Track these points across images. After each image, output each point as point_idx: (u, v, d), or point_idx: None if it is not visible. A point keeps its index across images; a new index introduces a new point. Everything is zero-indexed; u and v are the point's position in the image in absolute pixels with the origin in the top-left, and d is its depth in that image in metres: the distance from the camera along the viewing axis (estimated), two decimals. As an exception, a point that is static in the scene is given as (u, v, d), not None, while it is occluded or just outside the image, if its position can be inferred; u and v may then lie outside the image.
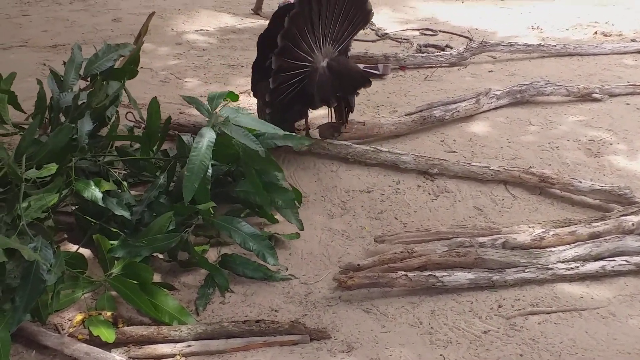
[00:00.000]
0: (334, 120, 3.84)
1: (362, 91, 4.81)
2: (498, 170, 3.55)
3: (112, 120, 3.54)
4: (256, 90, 3.88)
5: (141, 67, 4.99)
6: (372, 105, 4.67)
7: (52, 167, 2.80)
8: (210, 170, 2.82)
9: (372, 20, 6.56)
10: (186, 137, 3.16)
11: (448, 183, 3.57)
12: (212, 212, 2.92)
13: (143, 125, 4.04)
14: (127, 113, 4.06)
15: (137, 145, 3.53)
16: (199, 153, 2.71)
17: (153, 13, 4.22)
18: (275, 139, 3.04)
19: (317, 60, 3.57)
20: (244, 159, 2.96)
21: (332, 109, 3.78)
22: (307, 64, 3.53)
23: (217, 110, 2.93)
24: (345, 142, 3.77)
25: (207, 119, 2.90)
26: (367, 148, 3.72)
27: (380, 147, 3.80)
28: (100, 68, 3.36)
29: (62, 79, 3.29)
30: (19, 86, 4.78)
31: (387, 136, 4.06)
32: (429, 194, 3.50)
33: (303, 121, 4.00)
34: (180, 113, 4.42)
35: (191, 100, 3.00)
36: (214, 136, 2.78)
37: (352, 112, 3.83)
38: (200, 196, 2.80)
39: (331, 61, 3.61)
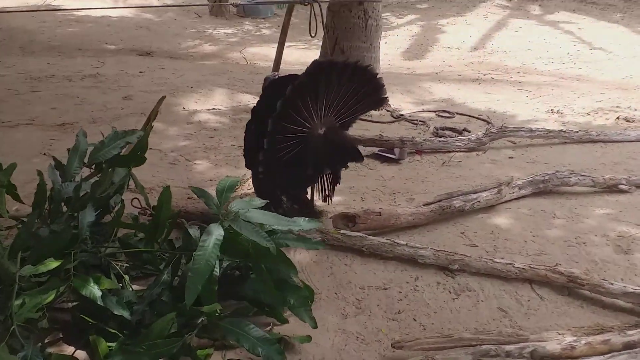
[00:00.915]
0: (315, 195, 3.99)
1: (377, 177, 4.81)
2: (523, 268, 3.40)
3: (116, 209, 3.47)
4: (249, 160, 3.87)
5: (150, 148, 4.94)
6: (388, 192, 4.57)
7: (51, 263, 2.68)
8: (217, 269, 2.70)
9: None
10: (192, 230, 3.06)
11: (470, 280, 3.42)
12: (218, 313, 2.78)
13: (149, 212, 3.96)
14: (133, 199, 3.97)
15: (141, 235, 3.42)
16: (205, 252, 2.59)
17: (163, 97, 4.18)
18: (288, 240, 2.92)
19: (315, 127, 3.61)
20: (254, 255, 2.84)
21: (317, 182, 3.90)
22: (304, 129, 3.57)
23: (226, 204, 2.83)
24: (360, 234, 3.66)
25: (216, 215, 2.79)
26: (384, 240, 3.60)
27: (398, 239, 3.67)
28: (106, 156, 3.28)
29: (64, 167, 3.21)
30: (23, 167, 4.73)
31: (405, 227, 3.94)
32: (450, 292, 3.35)
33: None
34: (189, 198, 4.34)
35: (200, 193, 2.90)
36: (222, 233, 2.67)
37: (338, 184, 3.98)
38: (205, 296, 2.66)
39: (328, 130, 3.65)
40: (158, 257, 3.22)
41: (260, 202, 3.04)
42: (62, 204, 3.13)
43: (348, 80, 3.60)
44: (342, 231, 3.68)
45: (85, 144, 3.33)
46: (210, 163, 5.06)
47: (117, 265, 3.14)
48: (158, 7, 13.80)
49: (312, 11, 6.51)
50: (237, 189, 4.20)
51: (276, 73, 4.30)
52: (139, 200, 3.99)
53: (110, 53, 9.93)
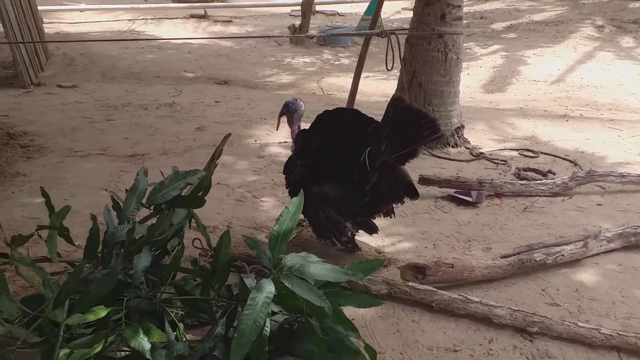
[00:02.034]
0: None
1: (452, 221, 4.59)
2: (610, 335, 3.12)
3: (174, 251, 3.39)
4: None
5: (218, 183, 4.94)
6: (463, 240, 4.34)
7: (99, 312, 2.59)
8: (267, 328, 2.55)
9: (463, 136, 6.39)
10: (249, 281, 2.92)
11: (550, 346, 3.15)
12: (269, 374, 2.63)
13: (210, 254, 3.87)
14: (194, 240, 3.91)
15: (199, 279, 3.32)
16: (253, 311, 2.46)
17: (228, 135, 4.10)
18: (341, 298, 2.75)
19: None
20: (308, 313, 2.69)
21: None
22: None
23: (282, 256, 2.69)
24: (430, 288, 3.45)
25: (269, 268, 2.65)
26: (456, 296, 3.38)
27: (471, 295, 3.45)
28: (165, 197, 3.21)
29: (122, 208, 3.14)
30: (90, 200, 4.80)
31: (479, 280, 3.69)
32: (528, 358, 3.08)
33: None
34: (252, 239, 4.23)
35: (252, 245, 2.77)
36: (273, 290, 2.54)
37: (391, 217, 4.08)
38: (255, 357, 2.52)
39: (383, 164, 3.71)
40: (214, 305, 3.10)
41: (316, 258, 2.90)
42: (118, 246, 3.06)
43: (404, 117, 3.64)
44: (410, 283, 3.48)
45: (145, 184, 3.27)
46: (277, 201, 4.95)
47: (172, 312, 3.05)
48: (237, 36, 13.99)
49: (390, 43, 6.38)
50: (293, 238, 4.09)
51: (297, 98, 4.31)
52: (200, 240, 3.92)
53: (188, 81, 10.06)
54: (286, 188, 4.11)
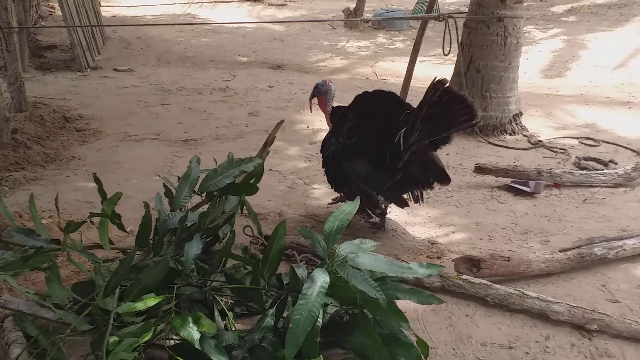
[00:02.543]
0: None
1: (508, 212, 4.49)
2: (674, 335, 2.98)
3: (225, 238, 3.38)
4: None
5: (270, 170, 4.92)
6: (520, 232, 4.22)
7: (149, 300, 2.59)
8: (320, 319, 2.51)
9: (521, 123, 6.22)
10: (300, 270, 2.90)
11: (610, 345, 3.03)
12: (321, 366, 2.59)
13: (261, 242, 3.86)
14: (245, 227, 3.89)
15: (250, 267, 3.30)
16: (308, 301, 2.41)
17: (282, 122, 4.08)
18: (399, 291, 2.68)
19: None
20: (362, 304, 2.64)
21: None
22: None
23: (335, 247, 2.64)
24: (484, 281, 3.35)
25: (323, 258, 2.61)
26: (511, 291, 3.28)
27: (528, 290, 3.34)
28: (218, 185, 3.19)
29: (174, 195, 3.14)
30: (143, 185, 4.84)
31: (536, 275, 3.58)
32: (586, 357, 2.97)
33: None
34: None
35: (306, 234, 2.73)
36: (328, 280, 2.49)
37: (420, 203, 4.11)
38: (307, 349, 2.48)
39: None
40: (264, 294, 3.08)
41: (371, 244, 2.85)
42: (169, 234, 3.06)
43: (437, 102, 3.59)
44: (464, 277, 3.39)
45: (198, 171, 3.25)
46: (328, 188, 4.86)
47: (222, 300, 3.04)
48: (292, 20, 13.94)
49: (447, 27, 6.25)
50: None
51: (326, 80, 4.40)
52: (251, 228, 3.90)
53: (242, 65, 10.07)
54: (322, 167, 4.26)
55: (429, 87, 3.62)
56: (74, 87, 8.22)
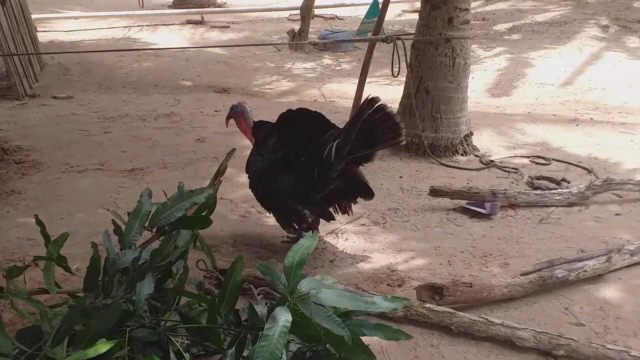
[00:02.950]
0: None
1: (466, 235, 4.48)
2: (641, 357, 2.98)
3: (178, 274, 3.25)
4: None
5: (221, 198, 4.79)
6: (479, 255, 4.20)
7: (101, 346, 2.45)
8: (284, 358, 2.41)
9: (472, 144, 6.25)
10: (259, 307, 2.79)
11: (578, 370, 3.00)
12: (285, 409, 2.48)
13: (215, 275, 3.74)
14: (199, 261, 3.77)
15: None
16: (270, 342, 2.32)
17: (233, 150, 4.00)
18: (364, 327, 2.60)
19: None
20: (326, 342, 2.55)
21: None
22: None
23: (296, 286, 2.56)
24: (448, 309, 3.31)
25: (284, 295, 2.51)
26: (476, 318, 3.24)
27: (491, 315, 3.32)
28: (169, 219, 3.08)
29: (123, 232, 3.00)
30: (87, 219, 4.67)
31: (499, 299, 3.55)
32: (554, 384, 2.95)
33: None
34: (259, 258, 4.10)
35: (265, 271, 2.64)
36: (290, 319, 2.40)
37: (348, 214, 4.27)
38: (270, 391, 2.37)
39: None
40: (222, 333, 2.96)
41: (332, 280, 2.78)
42: (119, 273, 2.92)
43: (368, 119, 3.65)
44: (427, 305, 3.34)
45: (149, 206, 3.13)
46: (283, 216, 4.80)
47: (177, 341, 2.91)
48: (235, 44, 13.86)
49: (395, 49, 6.26)
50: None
51: (242, 102, 4.65)
52: (204, 262, 3.78)
53: (187, 90, 9.92)
54: (249, 187, 4.35)
55: (362, 102, 3.68)
56: (11, 116, 7.93)
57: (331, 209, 4.17)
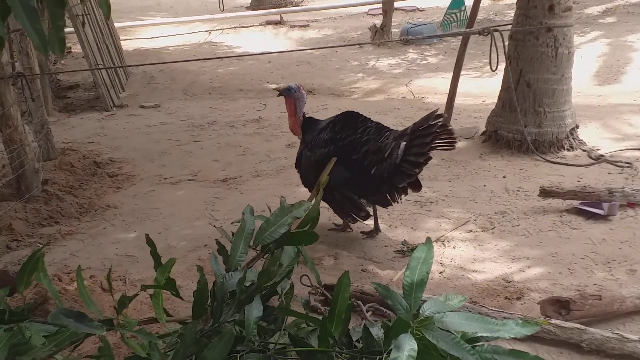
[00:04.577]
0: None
1: (584, 239, 4.25)
2: None
3: (283, 293, 3.15)
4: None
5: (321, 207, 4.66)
6: (601, 261, 3.93)
7: (213, 377, 2.35)
8: (410, 391, 2.25)
9: (579, 138, 5.92)
10: (374, 330, 2.64)
11: None
12: None
13: (320, 291, 3.62)
14: (302, 276, 3.65)
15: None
16: (397, 373, 2.16)
17: (335, 159, 3.87)
18: (498, 354, 2.41)
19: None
20: (453, 369, 2.38)
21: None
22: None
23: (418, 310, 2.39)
24: (577, 325, 3.07)
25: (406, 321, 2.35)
26: (609, 334, 3.00)
27: (624, 330, 3.07)
28: (273, 236, 2.97)
29: (227, 254, 2.91)
30: (185, 232, 4.64)
31: (631, 312, 3.29)
32: None
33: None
34: (362, 271, 3.96)
35: (385, 294, 2.49)
36: (416, 347, 2.24)
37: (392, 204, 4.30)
38: None
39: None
40: (335, 356, 2.83)
41: (458, 298, 2.58)
42: (227, 296, 2.83)
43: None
44: (553, 321, 3.11)
45: (252, 224, 3.02)
46: (383, 223, 4.64)
47: (287, 364, 2.81)
48: (319, 45, 13.78)
49: (493, 41, 6.00)
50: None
51: (300, 86, 4.65)
52: (308, 277, 3.66)
53: (272, 93, 9.87)
54: (302, 183, 4.63)
55: (430, 115, 3.92)
56: (101, 128, 8.09)
57: (387, 196, 4.21)
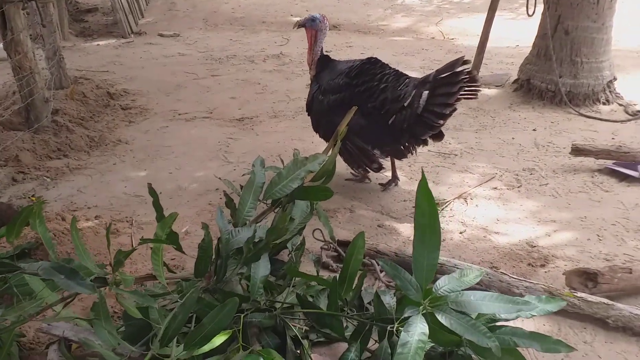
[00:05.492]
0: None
1: (616, 203, 4.08)
2: None
3: (293, 249, 3.01)
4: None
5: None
6: (634, 228, 3.74)
7: (216, 339, 2.23)
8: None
9: (616, 91, 5.65)
10: (386, 298, 2.49)
11: None
12: None
13: (333, 247, 3.48)
14: (315, 230, 3.50)
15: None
16: (406, 357, 2.02)
17: (354, 109, 3.67)
18: (517, 336, 2.25)
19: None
20: (469, 349, 2.24)
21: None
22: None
23: (430, 287, 2.24)
24: (603, 300, 2.91)
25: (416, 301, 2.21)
26: (638, 312, 2.83)
27: (655, 308, 2.89)
28: (284, 191, 2.80)
29: (235, 207, 2.75)
30: (197, 174, 4.51)
31: (663, 287, 3.13)
32: None
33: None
34: (379, 226, 3.80)
35: (393, 273, 2.30)
36: (427, 331, 2.10)
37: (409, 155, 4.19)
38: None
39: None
40: (344, 320, 2.71)
41: (474, 273, 2.41)
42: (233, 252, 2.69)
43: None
44: (579, 294, 2.95)
45: (262, 177, 2.87)
46: (404, 176, 4.47)
47: (294, 326, 2.69)
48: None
49: (530, -16, 5.69)
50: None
51: (324, 16, 4.34)
52: (321, 231, 3.51)
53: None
54: (313, 128, 4.45)
55: (456, 61, 3.76)
56: (117, 56, 7.90)
57: (402, 148, 4.08)
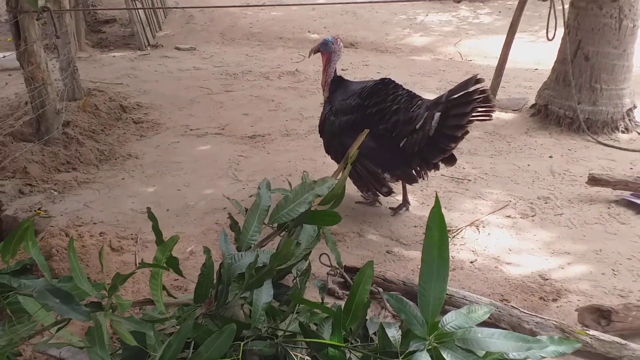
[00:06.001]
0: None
1: (632, 236, 3.99)
2: None
3: (299, 275, 2.95)
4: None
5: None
6: (649, 264, 3.65)
7: (212, 366, 2.17)
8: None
9: (635, 119, 5.58)
10: (391, 331, 2.42)
11: None
12: None
13: (339, 273, 3.42)
14: (322, 255, 3.44)
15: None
16: (411, 396, 1.96)
17: (366, 132, 3.61)
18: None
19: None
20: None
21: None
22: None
23: (437, 321, 2.17)
24: (617, 339, 2.83)
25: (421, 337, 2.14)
26: (653, 353, 2.75)
27: (672, 349, 2.80)
28: (291, 215, 2.75)
29: (239, 231, 2.71)
30: (205, 192, 4.47)
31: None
32: None
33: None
34: (388, 253, 3.74)
35: (398, 307, 2.24)
36: (432, 369, 2.03)
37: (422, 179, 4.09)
38: None
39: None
40: (348, 350, 2.64)
41: (482, 310, 2.34)
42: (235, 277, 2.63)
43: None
44: (591, 332, 2.87)
45: (268, 200, 2.81)
46: (415, 200, 4.40)
47: (296, 355, 2.62)
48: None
49: (552, 7, 5.64)
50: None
51: (337, 38, 4.33)
52: (328, 256, 3.45)
53: (312, 43, 9.54)
54: (325, 150, 4.41)
55: (469, 81, 3.68)
56: (133, 69, 7.91)
57: (413, 172, 4.02)
